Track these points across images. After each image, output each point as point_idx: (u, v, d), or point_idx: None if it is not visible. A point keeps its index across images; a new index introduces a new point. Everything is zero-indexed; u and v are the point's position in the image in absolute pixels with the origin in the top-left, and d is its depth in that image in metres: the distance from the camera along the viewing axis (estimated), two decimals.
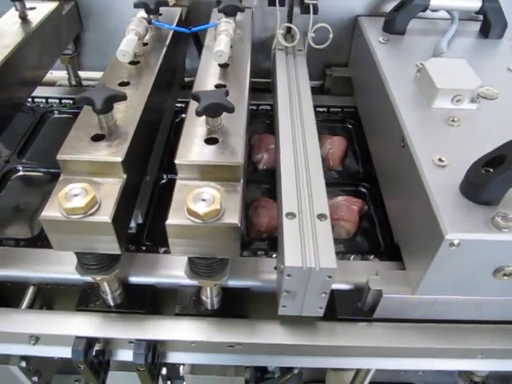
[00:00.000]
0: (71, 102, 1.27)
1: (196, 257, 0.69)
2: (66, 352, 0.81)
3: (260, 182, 1.10)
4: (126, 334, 0.77)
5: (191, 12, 1.21)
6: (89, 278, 0.78)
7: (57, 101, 1.27)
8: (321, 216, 0.71)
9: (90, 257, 0.70)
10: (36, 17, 1.05)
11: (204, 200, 0.63)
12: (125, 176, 0.69)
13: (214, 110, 0.70)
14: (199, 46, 1.18)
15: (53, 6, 1.10)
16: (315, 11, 1.11)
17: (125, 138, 0.71)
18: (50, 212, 0.63)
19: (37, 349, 0.81)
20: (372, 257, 0.90)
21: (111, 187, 0.67)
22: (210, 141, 0.71)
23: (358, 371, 1.02)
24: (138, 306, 0.80)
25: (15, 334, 0.78)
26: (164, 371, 0.95)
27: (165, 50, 0.95)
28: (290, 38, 1.17)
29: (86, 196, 0.63)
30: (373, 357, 0.81)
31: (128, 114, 0.76)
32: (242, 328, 0.77)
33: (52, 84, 1.36)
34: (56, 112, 1.27)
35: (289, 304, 0.72)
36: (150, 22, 0.94)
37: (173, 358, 0.83)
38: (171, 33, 1.01)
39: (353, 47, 1.27)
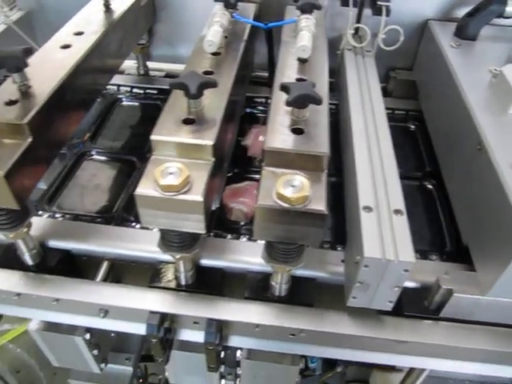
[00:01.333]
0: (141, 91, 1.32)
1: (277, 241, 0.71)
2: (132, 327, 0.86)
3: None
4: (197, 312, 0.80)
5: (262, 8, 1.24)
6: (165, 257, 0.81)
7: (128, 88, 1.32)
8: (397, 211, 0.73)
9: (175, 234, 0.74)
10: (119, 6, 1.10)
11: (293, 186, 0.65)
12: (213, 159, 0.72)
13: (303, 101, 0.72)
14: (270, 42, 1.21)
15: None
16: (388, 13, 1.12)
17: (213, 123, 0.74)
18: (145, 189, 0.66)
19: (105, 322, 0.85)
20: (435, 257, 0.90)
21: (201, 169, 0.70)
22: (296, 131, 0.73)
23: (409, 372, 1.02)
24: (208, 288, 0.83)
25: (88, 304, 0.82)
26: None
27: (244, 43, 0.98)
28: (358, 39, 1.19)
29: (181, 175, 0.66)
30: (435, 357, 0.82)
31: (214, 101, 0.79)
32: (309, 315, 0.79)
33: (121, 72, 1.41)
34: (125, 99, 1.32)
35: (359, 295, 0.73)
36: (231, 16, 0.97)
37: (235, 341, 0.85)
38: (248, 27, 1.04)
39: (420, 51, 1.28)
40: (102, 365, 1.14)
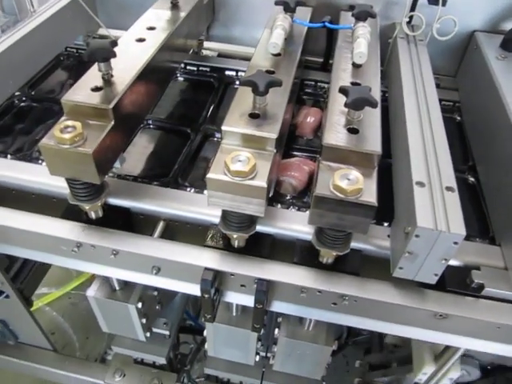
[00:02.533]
0: (194, 68, 1.41)
1: (328, 228, 0.79)
2: (182, 286, 0.93)
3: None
4: (249, 272, 0.86)
5: (316, 12, 1.31)
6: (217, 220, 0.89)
7: (182, 65, 1.39)
8: (449, 188, 0.78)
9: (235, 215, 0.82)
10: (185, 4, 1.19)
11: (349, 179, 0.73)
12: (275, 150, 0.80)
13: (360, 103, 0.79)
14: (330, 37, 1.29)
15: None
16: (444, 3, 1.16)
17: (276, 118, 0.82)
18: (216, 173, 0.75)
19: (157, 279, 0.93)
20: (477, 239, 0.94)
21: (265, 158, 0.78)
22: (352, 130, 0.81)
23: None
24: (259, 252, 0.89)
25: (145, 257, 0.88)
26: None
27: (301, 45, 1.06)
28: (411, 28, 1.25)
29: (249, 163, 0.74)
30: (476, 338, 0.86)
31: (276, 98, 0.87)
32: (353, 282, 0.85)
33: None
34: (179, 75, 1.40)
35: (406, 266, 0.78)
36: (292, 20, 1.05)
37: (278, 306, 0.92)
38: (305, 30, 1.12)
39: (465, 60, 1.33)
40: (148, 333, 1.24)
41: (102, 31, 1.47)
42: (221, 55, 1.48)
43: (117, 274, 0.97)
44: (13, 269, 1.25)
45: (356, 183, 0.72)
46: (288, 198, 1.02)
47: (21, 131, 1.16)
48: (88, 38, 1.45)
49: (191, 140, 1.17)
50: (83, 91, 0.85)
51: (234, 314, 1.09)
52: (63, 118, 0.83)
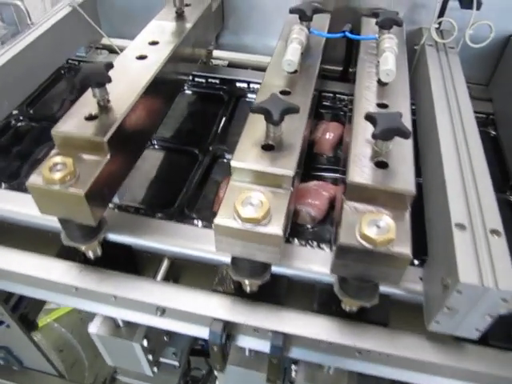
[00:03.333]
0: (203, 80, 1.31)
1: (354, 277, 0.69)
2: (190, 329, 0.84)
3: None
4: (263, 323, 0.76)
5: (334, 17, 1.20)
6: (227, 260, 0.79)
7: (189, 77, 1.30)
8: (494, 231, 0.68)
9: (247, 263, 0.73)
10: (191, 13, 1.09)
11: (378, 227, 0.62)
12: (291, 189, 0.70)
13: (391, 134, 0.69)
14: (350, 47, 1.18)
15: (206, 3, 1.13)
16: (478, 7, 1.04)
17: (293, 150, 0.72)
18: (224, 218, 0.65)
19: (162, 321, 0.84)
20: None
21: (280, 198, 0.68)
22: (380, 164, 0.70)
23: None
24: (274, 296, 0.80)
25: (147, 304, 0.81)
26: None
27: (320, 59, 0.95)
28: (440, 34, 1.13)
29: (262, 207, 0.64)
30: None
31: (293, 125, 0.77)
32: (383, 335, 0.75)
33: None
34: (186, 88, 1.31)
35: (444, 321, 0.68)
36: (308, 31, 0.94)
37: (297, 353, 0.82)
38: (324, 41, 1.01)
39: (500, 68, 1.20)
40: (155, 368, 1.16)
41: (105, 41, 1.38)
42: (231, 65, 1.37)
43: (119, 314, 0.88)
44: (13, 298, 1.18)
45: (387, 232, 0.62)
46: (306, 228, 0.92)
47: (17, 155, 1.08)
48: (90, 49, 1.36)
49: (199, 162, 1.07)
50: (76, 120, 0.76)
51: (247, 354, 1.00)
52: (54, 152, 0.74)
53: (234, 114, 1.22)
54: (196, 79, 1.30)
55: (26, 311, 1.26)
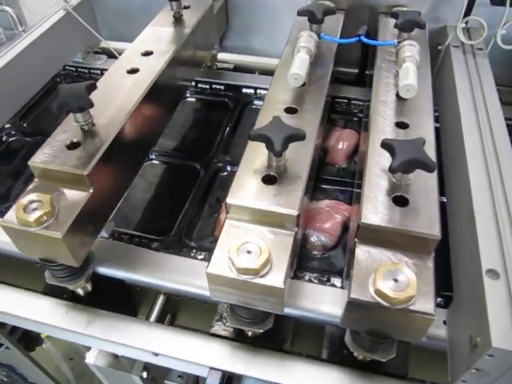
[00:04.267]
0: (207, 86, 1.21)
1: (368, 333, 0.60)
2: (188, 367, 0.77)
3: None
4: (266, 375, 0.68)
5: (349, 15, 1.08)
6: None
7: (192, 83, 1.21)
8: None
9: (245, 312, 0.64)
10: (190, 17, 0.99)
11: (396, 281, 0.53)
12: (296, 229, 0.61)
13: (411, 167, 0.59)
14: (365, 53, 1.07)
15: (207, 4, 1.04)
16: None
17: (298, 182, 0.63)
18: (218, 267, 0.57)
19: (159, 359, 0.77)
20: None
21: (282, 242, 0.59)
22: (399, 200, 0.60)
23: None
24: (278, 340, 0.73)
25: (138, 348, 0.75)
26: None
27: (331, 68, 0.85)
28: (467, 34, 1.01)
29: (260, 255, 0.56)
30: None
31: (298, 151, 0.67)
32: None
33: None
34: (189, 95, 1.21)
35: (471, 381, 0.60)
36: (318, 36, 0.84)
37: None
38: (336, 46, 0.91)
39: None
40: None
41: (103, 44, 1.29)
42: (238, 68, 1.27)
43: (115, 349, 0.82)
44: None
45: (406, 287, 0.52)
46: (316, 255, 0.83)
47: (8, 174, 1.02)
48: (88, 54, 1.28)
49: (200, 179, 0.99)
50: (55, 149, 0.68)
51: None
52: (33, 185, 0.67)
53: (239, 123, 1.13)
54: (199, 85, 1.21)
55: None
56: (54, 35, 1.12)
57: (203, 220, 0.91)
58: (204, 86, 1.20)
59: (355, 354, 0.67)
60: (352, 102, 1.14)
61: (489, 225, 0.64)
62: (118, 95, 0.78)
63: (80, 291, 0.77)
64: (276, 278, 0.56)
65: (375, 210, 0.59)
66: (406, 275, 0.53)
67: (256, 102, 1.17)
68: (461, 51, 0.98)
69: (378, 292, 0.53)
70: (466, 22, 0.99)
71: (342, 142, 1.04)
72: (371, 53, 1.10)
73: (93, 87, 0.69)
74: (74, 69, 1.27)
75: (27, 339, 1.24)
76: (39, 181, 0.68)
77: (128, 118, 0.74)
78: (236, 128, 1.11)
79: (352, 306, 0.55)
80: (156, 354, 0.75)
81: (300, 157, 0.67)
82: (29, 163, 0.66)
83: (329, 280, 0.78)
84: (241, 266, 0.55)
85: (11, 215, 0.63)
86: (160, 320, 0.80)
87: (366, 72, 1.17)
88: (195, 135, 1.10)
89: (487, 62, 0.95)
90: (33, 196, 0.63)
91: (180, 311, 0.83)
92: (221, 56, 1.26)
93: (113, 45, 1.27)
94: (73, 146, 0.68)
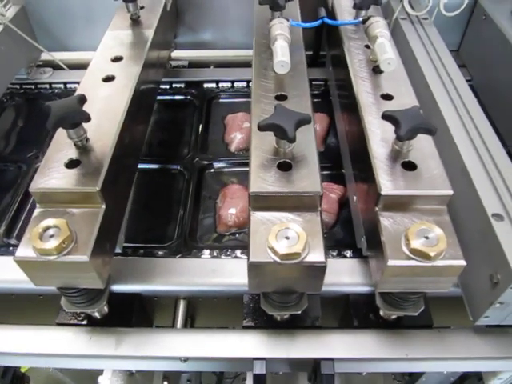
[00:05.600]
0: (167, 86, 1.19)
1: (402, 292, 0.65)
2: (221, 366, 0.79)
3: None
4: (309, 352, 0.71)
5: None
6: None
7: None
8: None
9: (280, 296, 0.66)
10: (148, 18, 0.97)
11: (427, 238, 0.58)
12: (320, 208, 0.63)
13: (416, 133, 0.63)
14: (319, 35, 1.11)
15: (160, 3, 1.01)
16: None
17: (312, 164, 0.65)
18: (257, 257, 0.58)
19: (187, 365, 0.76)
20: None
21: (312, 223, 0.62)
22: (408, 166, 0.65)
23: None
24: (311, 319, 0.74)
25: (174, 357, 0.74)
26: None
27: (303, 52, 0.88)
28: (410, 6, 1.08)
29: (299, 239, 0.58)
30: None
31: (303, 136, 0.69)
32: (433, 338, 0.72)
33: None
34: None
35: (494, 314, 0.67)
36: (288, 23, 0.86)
37: (344, 368, 0.75)
38: (301, 31, 0.93)
39: (469, 32, 1.18)
40: None
41: (46, 56, 1.21)
42: (192, 64, 1.26)
43: (140, 366, 0.80)
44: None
45: (438, 242, 0.57)
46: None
47: None
48: (32, 69, 1.19)
49: (186, 180, 0.98)
50: (55, 170, 0.64)
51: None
52: (38, 212, 0.63)
53: (209, 119, 1.13)
54: (160, 86, 1.18)
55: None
56: None
57: (201, 219, 0.91)
58: (164, 86, 1.18)
59: (386, 315, 0.72)
60: (313, 82, 1.18)
61: (482, 176, 0.71)
62: (101, 105, 0.74)
63: (97, 314, 0.74)
64: (317, 257, 0.58)
65: (391, 179, 0.63)
66: (434, 232, 0.58)
67: (221, 96, 1.17)
68: (409, 22, 1.05)
69: (414, 251, 0.57)
70: None
71: (316, 125, 1.07)
72: (325, 33, 1.15)
73: (83, 100, 0.66)
74: (18, 86, 1.19)
75: (17, 380, 1.16)
76: (42, 206, 0.64)
77: (120, 129, 0.71)
78: (208, 125, 1.11)
79: (391, 270, 0.59)
80: (185, 360, 0.75)
81: (305, 140, 0.69)
82: (30, 190, 0.62)
83: (340, 253, 0.83)
84: (284, 252, 0.56)
85: (24, 250, 0.59)
86: (185, 325, 0.79)
87: (321, 53, 1.21)
88: (168, 137, 1.08)
89: (435, 29, 1.03)
90: (46, 223, 0.59)
91: (202, 316, 0.83)
92: (174, 54, 1.24)
93: (56, 56, 1.20)
94: (72, 164, 0.65)
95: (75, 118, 0.63)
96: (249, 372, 0.79)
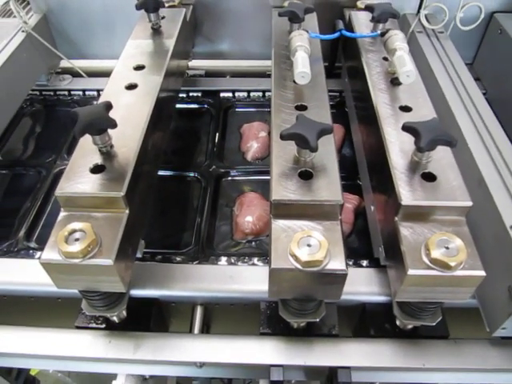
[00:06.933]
0: (183, 95, 1.22)
1: (420, 301, 0.65)
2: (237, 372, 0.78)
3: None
4: (326, 360, 0.71)
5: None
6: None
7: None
8: None
9: (300, 304, 0.67)
10: (169, 28, 0.99)
11: (448, 248, 0.58)
12: (340, 217, 0.64)
13: (436, 144, 0.64)
14: (335, 46, 1.12)
15: (181, 13, 1.03)
16: None
17: (333, 174, 0.67)
18: (280, 264, 0.59)
19: (203, 371, 0.77)
20: None
21: (332, 231, 0.62)
22: (427, 177, 0.65)
23: None
24: (328, 328, 0.74)
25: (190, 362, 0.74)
26: None
27: (322, 63, 0.89)
28: (426, 20, 1.10)
29: (321, 247, 0.58)
30: None
31: (323, 146, 0.70)
32: (450, 350, 0.72)
33: None
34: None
35: (511, 326, 0.67)
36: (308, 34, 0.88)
37: (360, 377, 0.75)
38: (320, 43, 0.95)
39: (484, 45, 1.19)
40: None
41: (65, 64, 1.24)
42: (209, 74, 1.28)
43: (156, 371, 0.80)
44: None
45: (458, 253, 0.58)
46: None
47: None
48: (51, 76, 1.22)
49: (203, 187, 0.99)
50: (80, 175, 0.66)
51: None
52: (63, 215, 0.64)
53: (225, 128, 1.14)
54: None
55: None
56: (18, 60, 1.06)
57: (218, 227, 0.92)
58: (181, 94, 1.20)
59: (402, 325, 0.72)
60: (328, 93, 1.19)
61: (499, 187, 0.71)
62: (124, 113, 0.76)
63: (115, 318, 0.75)
64: (338, 265, 0.59)
65: (411, 189, 0.64)
66: (455, 244, 0.59)
67: (237, 105, 1.19)
68: (425, 36, 1.07)
69: (434, 260, 0.57)
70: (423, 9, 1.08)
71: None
72: (341, 45, 1.16)
73: (110, 107, 0.67)
74: (38, 93, 1.21)
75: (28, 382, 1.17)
76: (67, 210, 0.65)
77: (143, 135, 0.73)
78: (224, 133, 1.12)
79: (410, 279, 0.59)
80: (200, 366, 0.75)
81: (326, 150, 0.70)
82: (56, 194, 0.64)
83: (355, 262, 0.83)
84: (306, 259, 0.57)
85: (50, 253, 0.60)
86: (201, 331, 0.80)
87: (336, 64, 1.23)
88: (185, 145, 1.10)
89: (451, 43, 1.04)
90: (72, 226, 0.60)
91: (220, 322, 0.83)
92: (192, 63, 1.26)
93: (75, 63, 1.22)
94: (97, 169, 0.66)
95: (102, 124, 0.65)
96: (261, 380, 0.79)
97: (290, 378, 0.76)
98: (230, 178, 1.02)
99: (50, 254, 0.60)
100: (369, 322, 0.75)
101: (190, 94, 1.21)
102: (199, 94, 1.21)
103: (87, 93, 1.21)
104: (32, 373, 1.27)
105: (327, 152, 0.70)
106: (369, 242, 0.86)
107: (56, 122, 1.17)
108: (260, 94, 1.20)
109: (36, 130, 1.15)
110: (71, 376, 1.91)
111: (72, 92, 1.21)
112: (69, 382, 1.90)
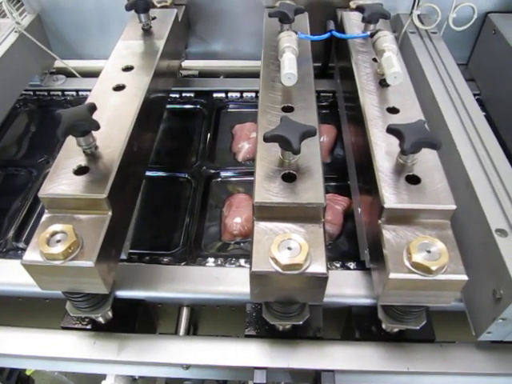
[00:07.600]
0: (176, 95, 1.22)
1: (404, 305, 0.65)
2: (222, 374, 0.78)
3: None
4: (310, 363, 0.71)
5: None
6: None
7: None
8: None
9: (283, 307, 0.67)
10: (159, 28, 0.99)
11: (429, 252, 0.58)
12: (323, 220, 0.64)
13: (420, 147, 0.64)
14: (328, 46, 1.12)
15: (172, 13, 1.03)
16: None
17: (316, 176, 0.66)
18: (259, 267, 0.58)
19: (190, 372, 0.77)
20: None
21: (315, 234, 0.62)
22: (412, 180, 0.65)
23: None
24: (313, 330, 0.75)
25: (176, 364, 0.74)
26: None
27: (311, 64, 0.89)
28: (419, 20, 1.09)
29: (301, 250, 0.58)
30: None
31: (308, 148, 0.70)
32: (435, 354, 0.71)
33: None
34: None
35: (497, 330, 0.67)
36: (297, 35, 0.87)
37: (344, 380, 0.75)
38: (309, 43, 0.94)
39: (478, 46, 1.18)
40: None
41: (59, 64, 1.24)
42: (202, 74, 1.28)
43: (142, 372, 0.80)
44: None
45: (439, 256, 0.57)
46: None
47: None
48: (45, 76, 1.22)
49: (193, 188, 0.99)
50: (64, 176, 0.66)
51: None
52: (46, 217, 0.64)
53: (217, 129, 1.14)
54: (170, 95, 1.20)
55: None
56: (11, 60, 1.06)
57: (207, 228, 0.92)
58: (174, 95, 1.20)
59: (388, 328, 0.72)
60: (321, 94, 1.19)
61: (486, 190, 0.71)
62: (111, 114, 0.76)
63: (101, 319, 0.75)
64: (319, 268, 0.58)
65: (394, 192, 0.63)
66: (437, 247, 0.58)
67: (230, 106, 1.19)
68: (418, 36, 1.06)
69: (416, 264, 0.57)
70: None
71: (322, 136, 1.08)
72: (334, 46, 1.16)
73: (93, 108, 0.67)
74: (31, 93, 1.21)
75: (22, 383, 1.18)
76: (50, 212, 0.65)
77: (129, 137, 0.72)
78: (216, 134, 1.12)
79: (392, 283, 0.59)
80: (187, 367, 0.75)
81: (310, 152, 0.70)
82: (39, 195, 0.64)
83: (343, 265, 0.83)
84: (286, 263, 0.57)
85: (31, 254, 0.60)
86: (187, 332, 0.80)
87: (330, 64, 1.22)
88: (176, 146, 1.10)
89: (443, 43, 1.04)
90: (53, 228, 0.60)
91: (205, 323, 0.83)
92: (185, 63, 1.25)
93: (69, 63, 1.23)
94: (81, 171, 0.67)
95: (85, 126, 0.65)
96: (250, 381, 0.79)
97: (275, 380, 0.76)
98: (220, 179, 1.02)
99: (31, 255, 0.60)
100: (355, 325, 0.75)
101: (183, 95, 1.20)
102: (192, 95, 1.20)
103: (80, 93, 1.22)
104: (27, 372, 1.28)
105: (312, 154, 0.69)
106: (357, 244, 0.85)
107: (49, 122, 1.17)
108: (253, 94, 1.20)
109: (29, 130, 1.15)
110: (68, 375, 1.92)
111: (66, 92, 1.21)
112: (65, 381, 1.90)
